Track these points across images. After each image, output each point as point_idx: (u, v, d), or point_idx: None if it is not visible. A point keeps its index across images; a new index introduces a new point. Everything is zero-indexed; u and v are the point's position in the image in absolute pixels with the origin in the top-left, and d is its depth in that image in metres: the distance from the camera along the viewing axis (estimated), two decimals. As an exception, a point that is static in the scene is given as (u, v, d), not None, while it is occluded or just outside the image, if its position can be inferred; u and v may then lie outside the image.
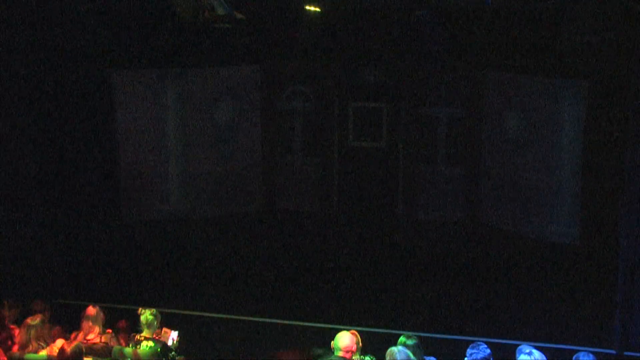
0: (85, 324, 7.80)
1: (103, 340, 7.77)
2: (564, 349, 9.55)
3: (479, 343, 6.72)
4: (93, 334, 7.77)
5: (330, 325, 10.34)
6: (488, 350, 6.63)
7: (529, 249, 13.39)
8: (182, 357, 8.33)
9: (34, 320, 7.61)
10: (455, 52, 13.84)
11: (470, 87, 14.51)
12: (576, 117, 13.22)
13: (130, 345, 7.87)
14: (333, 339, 6.78)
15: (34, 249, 11.95)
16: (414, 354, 6.65)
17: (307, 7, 10.80)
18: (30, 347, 7.53)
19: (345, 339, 6.73)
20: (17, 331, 8.03)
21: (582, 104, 13.04)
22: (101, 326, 7.89)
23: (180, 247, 13.82)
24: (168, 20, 12.70)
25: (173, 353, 8.12)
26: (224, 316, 11.00)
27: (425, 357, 7.21)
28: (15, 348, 7.70)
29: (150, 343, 7.81)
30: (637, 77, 10.99)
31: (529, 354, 6.41)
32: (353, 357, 6.79)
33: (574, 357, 6.66)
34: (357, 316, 10.77)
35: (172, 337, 8.11)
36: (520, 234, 13.96)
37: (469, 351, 6.67)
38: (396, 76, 14.85)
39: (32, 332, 7.53)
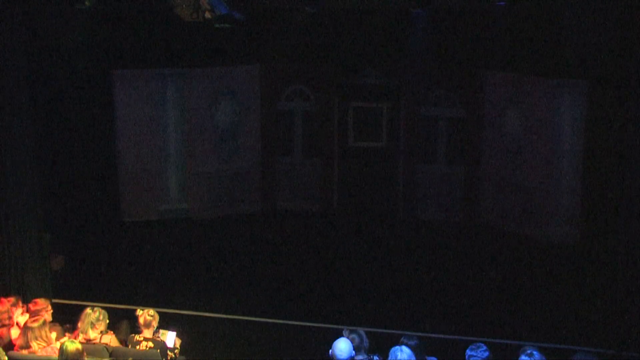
0: (81, 325, 7.83)
1: (103, 341, 7.79)
2: (564, 349, 9.55)
3: (478, 344, 6.73)
4: (94, 334, 7.79)
5: (330, 325, 10.34)
6: (487, 353, 6.64)
7: (529, 249, 13.39)
8: (183, 357, 8.35)
9: (34, 323, 7.61)
10: (456, 52, 13.85)
11: (470, 87, 14.50)
12: (576, 117, 13.22)
13: (130, 346, 7.88)
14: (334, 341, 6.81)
15: (34, 248, 11.92)
16: (415, 354, 6.68)
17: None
18: (30, 348, 7.54)
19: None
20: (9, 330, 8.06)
21: (582, 104, 13.04)
22: (104, 327, 7.91)
23: (180, 247, 13.82)
24: (168, 20, 12.71)
25: (177, 350, 8.13)
26: (224, 316, 10.99)
27: (425, 357, 7.22)
28: (16, 348, 7.71)
29: (150, 344, 7.82)
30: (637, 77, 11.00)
31: (530, 354, 6.42)
32: None
33: (574, 357, 6.67)
34: (357, 316, 10.76)
35: (170, 337, 8.12)
36: (520, 234, 13.96)
37: (468, 352, 6.68)
38: (396, 76, 14.84)
39: (30, 333, 7.53)
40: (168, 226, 14.62)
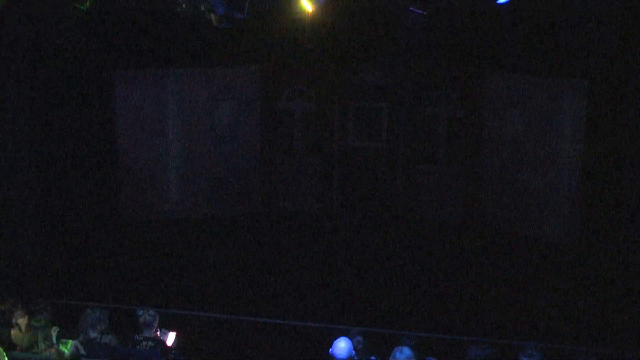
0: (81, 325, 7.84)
1: (103, 341, 7.79)
2: (564, 349, 9.55)
3: (478, 343, 6.75)
4: (94, 334, 7.80)
5: (330, 325, 10.34)
6: (487, 350, 6.65)
7: (529, 249, 13.39)
8: (183, 357, 8.35)
9: (39, 322, 7.61)
10: (456, 52, 13.85)
11: (470, 87, 14.50)
12: (576, 117, 13.22)
13: (130, 346, 7.88)
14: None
15: (34, 248, 11.93)
16: (415, 354, 6.69)
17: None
18: (37, 348, 7.53)
19: None
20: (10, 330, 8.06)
21: (582, 104, 13.04)
22: (104, 327, 7.92)
23: (180, 247, 13.82)
24: (168, 20, 12.69)
25: (174, 351, 8.14)
26: (224, 316, 10.99)
27: (425, 357, 7.23)
28: (20, 348, 7.70)
29: (150, 343, 7.83)
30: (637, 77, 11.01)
31: (530, 355, 6.44)
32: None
33: (573, 357, 6.69)
34: (357, 316, 10.77)
35: (170, 337, 8.13)
36: (520, 234, 13.96)
37: (470, 348, 6.70)
38: (396, 76, 14.84)
39: (39, 333, 7.54)
40: (168, 226, 14.62)
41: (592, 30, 11.89)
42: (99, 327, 7.84)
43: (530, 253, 13.26)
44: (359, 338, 7.14)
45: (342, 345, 6.69)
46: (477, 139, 14.58)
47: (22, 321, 8.12)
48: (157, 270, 12.67)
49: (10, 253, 10.45)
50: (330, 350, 6.76)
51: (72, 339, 7.66)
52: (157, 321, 8.02)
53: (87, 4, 10.26)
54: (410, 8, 11.90)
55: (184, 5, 9.42)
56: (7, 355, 7.21)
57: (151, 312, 8.00)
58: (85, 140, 13.76)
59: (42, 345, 7.52)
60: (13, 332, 8.06)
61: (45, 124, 12.52)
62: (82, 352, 7.36)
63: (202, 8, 9.27)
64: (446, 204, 14.97)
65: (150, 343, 7.85)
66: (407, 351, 6.58)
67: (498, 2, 11.48)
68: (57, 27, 12.15)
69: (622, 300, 10.90)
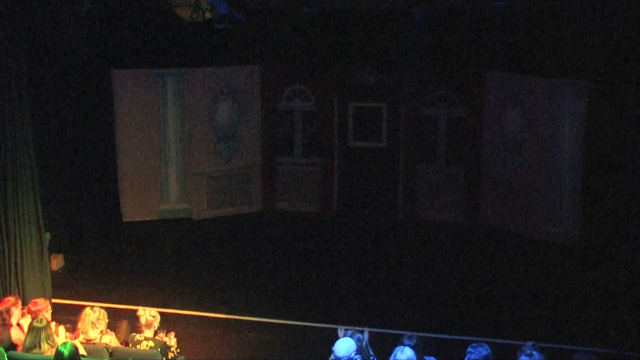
0: (81, 325, 7.84)
1: (103, 341, 7.80)
2: (564, 349, 9.55)
3: (479, 343, 6.73)
4: (94, 334, 7.80)
5: (330, 326, 10.33)
6: (488, 350, 6.64)
7: (529, 249, 13.39)
8: (183, 357, 8.36)
9: (41, 323, 7.59)
10: (456, 52, 13.86)
11: (470, 87, 14.50)
12: (576, 117, 13.23)
13: (130, 346, 7.89)
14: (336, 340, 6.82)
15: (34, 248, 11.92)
16: (415, 354, 6.68)
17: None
18: (38, 348, 7.51)
19: None
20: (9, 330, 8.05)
21: (582, 104, 13.05)
22: (104, 327, 7.92)
23: (180, 247, 13.82)
24: (168, 20, 12.70)
25: (177, 350, 8.14)
26: (224, 316, 10.99)
27: (425, 357, 7.23)
28: (20, 349, 7.69)
29: (151, 343, 7.83)
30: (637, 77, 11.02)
31: (529, 355, 6.43)
32: None
33: (574, 357, 6.68)
34: (357, 316, 10.75)
35: (170, 337, 8.14)
36: (520, 234, 13.96)
37: (468, 349, 6.69)
38: (396, 76, 14.83)
39: (42, 333, 7.52)
40: (168, 226, 14.63)
41: (592, 30, 11.89)
42: (98, 327, 7.85)
43: (530, 253, 13.26)
44: (360, 335, 7.13)
45: (343, 345, 6.68)
46: (477, 139, 14.58)
47: (24, 321, 8.13)
48: (157, 270, 12.66)
49: (10, 253, 10.43)
50: (332, 349, 6.76)
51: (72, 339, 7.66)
52: (158, 322, 8.02)
53: (87, 4, 10.25)
54: (414, 10, 11.94)
55: (184, 6, 9.43)
56: (7, 356, 7.20)
57: (152, 312, 8.01)
58: (85, 140, 13.76)
59: (45, 346, 7.50)
60: (14, 332, 8.07)
61: (45, 124, 12.51)
62: (82, 352, 7.36)
63: (203, 8, 9.28)
64: (446, 204, 14.97)
65: (150, 342, 7.85)
66: (407, 351, 6.57)
67: (494, 3, 11.53)
68: (57, 27, 12.15)
69: (622, 300, 10.89)
